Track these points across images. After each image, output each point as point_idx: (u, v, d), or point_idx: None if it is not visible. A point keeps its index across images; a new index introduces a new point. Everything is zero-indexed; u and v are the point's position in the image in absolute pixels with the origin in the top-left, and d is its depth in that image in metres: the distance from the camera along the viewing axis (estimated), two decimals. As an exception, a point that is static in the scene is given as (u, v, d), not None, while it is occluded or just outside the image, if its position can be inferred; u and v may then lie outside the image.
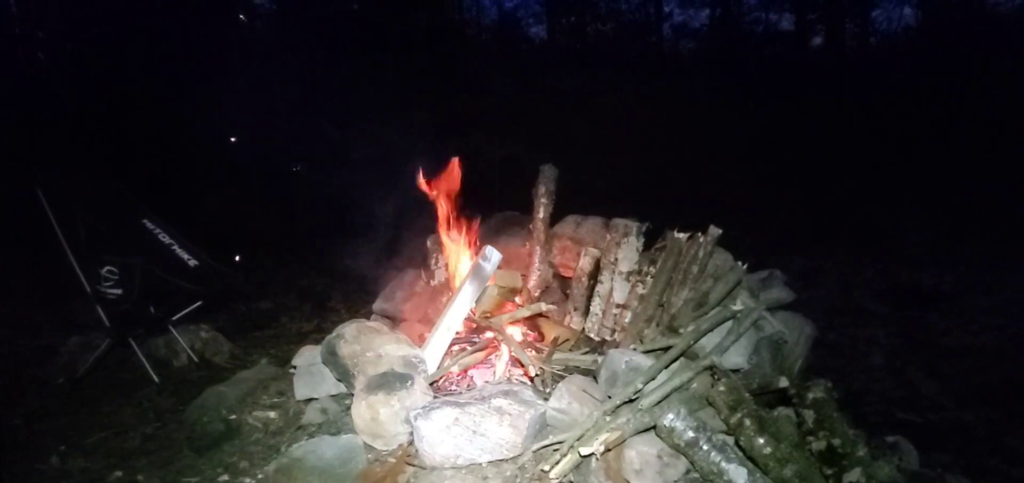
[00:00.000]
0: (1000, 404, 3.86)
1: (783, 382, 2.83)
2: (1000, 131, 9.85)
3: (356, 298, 6.82)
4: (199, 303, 5.06)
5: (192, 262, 4.87)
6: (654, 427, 2.52)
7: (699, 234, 3.36)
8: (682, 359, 2.85)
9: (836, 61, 14.71)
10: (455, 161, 4.27)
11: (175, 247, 4.85)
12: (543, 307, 3.68)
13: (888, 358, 4.67)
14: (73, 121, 10.95)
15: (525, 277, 4.17)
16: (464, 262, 4.13)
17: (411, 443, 2.93)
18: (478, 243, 4.22)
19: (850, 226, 8.86)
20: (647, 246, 3.75)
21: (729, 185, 10.16)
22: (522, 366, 3.33)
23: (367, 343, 3.43)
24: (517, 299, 4.04)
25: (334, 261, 7.17)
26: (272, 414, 3.60)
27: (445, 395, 3.23)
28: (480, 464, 2.75)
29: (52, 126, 10.00)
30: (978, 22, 14.20)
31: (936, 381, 4.20)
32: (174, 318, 5.08)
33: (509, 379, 3.37)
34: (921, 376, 4.29)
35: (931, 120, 11.35)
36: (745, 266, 3.16)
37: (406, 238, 5.69)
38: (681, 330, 2.97)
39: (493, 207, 5.23)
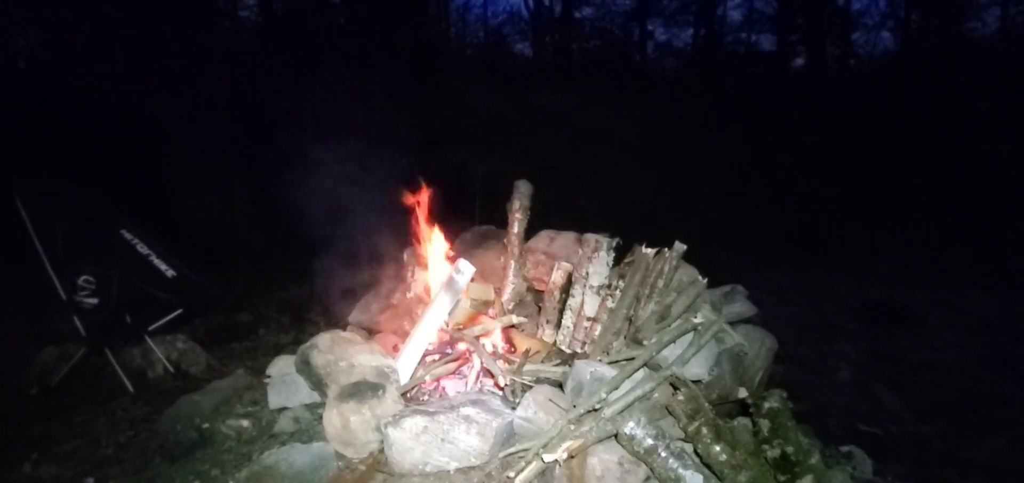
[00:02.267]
0: (958, 418, 3.98)
1: (742, 393, 2.93)
2: (974, 154, 10.11)
3: (334, 310, 6.84)
4: (177, 313, 5.08)
5: (170, 273, 4.89)
6: (616, 435, 2.60)
7: (666, 250, 3.45)
8: (645, 370, 2.94)
9: (817, 82, 15.00)
10: (424, 183, 4.36)
11: (153, 258, 4.87)
12: (515, 319, 3.76)
13: (854, 373, 4.79)
14: (52, 130, 10.90)
15: (499, 290, 4.24)
16: (439, 275, 4.20)
17: (381, 451, 2.98)
18: (454, 256, 4.29)
19: (826, 244, 9.04)
20: (618, 260, 3.84)
21: (709, 202, 10.33)
22: (493, 377, 3.39)
23: (340, 353, 3.49)
24: (490, 312, 4.11)
25: (313, 274, 7.19)
26: (245, 423, 3.63)
27: (416, 405, 3.28)
28: (448, 471, 2.81)
29: (31, 135, 9.95)
30: (955, 46, 14.60)
31: (899, 395, 4.32)
32: (150, 328, 5.09)
33: (480, 389, 3.43)
34: (884, 390, 4.40)
35: (907, 141, 11.61)
36: (705, 280, 3.26)
37: (384, 251, 5.75)
38: (644, 342, 3.06)
39: (473, 221, 5.31)
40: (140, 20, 10.80)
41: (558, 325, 3.95)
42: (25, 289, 7.07)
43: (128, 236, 4.83)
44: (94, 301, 4.51)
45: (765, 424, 2.67)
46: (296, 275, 8.35)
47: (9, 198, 4.53)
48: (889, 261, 8.12)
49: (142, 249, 4.82)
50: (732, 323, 3.29)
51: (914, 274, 7.56)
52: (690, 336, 3.06)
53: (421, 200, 4.34)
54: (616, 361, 3.07)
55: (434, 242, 4.32)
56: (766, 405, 2.70)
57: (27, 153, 9.60)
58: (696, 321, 3.01)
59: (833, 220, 9.98)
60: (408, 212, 4.35)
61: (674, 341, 3.02)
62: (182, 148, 9.39)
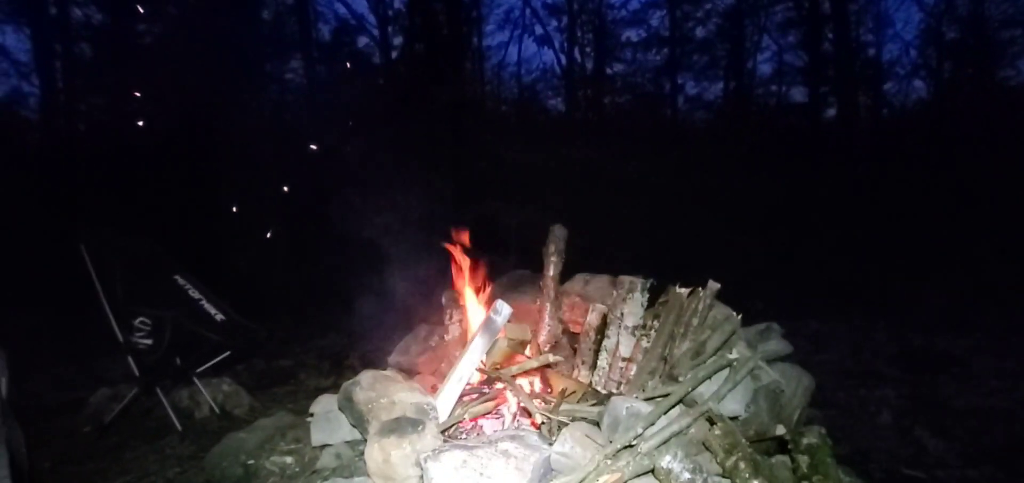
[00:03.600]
0: (1005, 463, 3.87)
1: (780, 430, 2.93)
2: (1013, 200, 9.92)
3: (373, 357, 6.98)
4: (224, 355, 5.27)
5: (219, 317, 5.11)
6: (652, 470, 2.63)
7: (699, 289, 3.51)
8: (680, 406, 2.97)
9: (849, 131, 14.95)
10: (466, 231, 4.53)
11: (203, 302, 5.11)
12: (550, 359, 3.83)
13: (896, 418, 4.69)
14: (111, 185, 11.52)
15: (535, 332, 4.32)
16: (477, 316, 4.30)
17: (421, 485, 3.05)
18: (490, 298, 4.40)
19: (863, 292, 8.89)
20: (651, 302, 3.90)
21: (742, 251, 10.29)
22: (530, 416, 3.45)
23: (382, 390, 3.59)
24: (527, 352, 4.18)
25: (352, 321, 7.37)
26: (288, 459, 3.74)
27: (455, 441, 3.35)
28: (486, 505, 2.86)
29: (92, 189, 10.53)
30: (989, 95, 14.46)
31: (943, 440, 4.22)
32: (198, 370, 5.29)
33: (517, 428, 3.49)
34: (928, 435, 4.30)
35: (944, 188, 11.45)
36: (740, 316, 3.30)
37: (422, 297, 5.89)
38: (680, 378, 3.10)
39: (508, 268, 5.43)
40: (194, 84, 11.46)
41: (594, 366, 4.00)
42: (80, 336, 7.44)
43: (181, 281, 5.09)
44: (148, 342, 4.72)
45: (804, 460, 2.67)
46: (335, 323, 8.56)
47: (74, 246, 4.82)
48: (929, 308, 7.94)
49: (193, 293, 5.06)
50: (768, 361, 3.31)
51: (956, 320, 7.39)
52: (725, 373, 3.09)
53: (460, 244, 4.50)
54: (652, 397, 3.11)
55: (473, 283, 4.44)
56: (805, 441, 2.71)
57: (88, 204, 10.15)
58: (731, 357, 3.04)
59: (869, 268, 9.82)
60: (446, 257, 4.50)
61: (709, 377, 3.05)
62: (230, 201, 9.82)
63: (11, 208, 10.66)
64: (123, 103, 12.96)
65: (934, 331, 7.13)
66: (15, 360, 3.55)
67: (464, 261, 4.47)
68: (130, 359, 4.78)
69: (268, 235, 10.14)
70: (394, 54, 18.37)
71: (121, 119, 12.67)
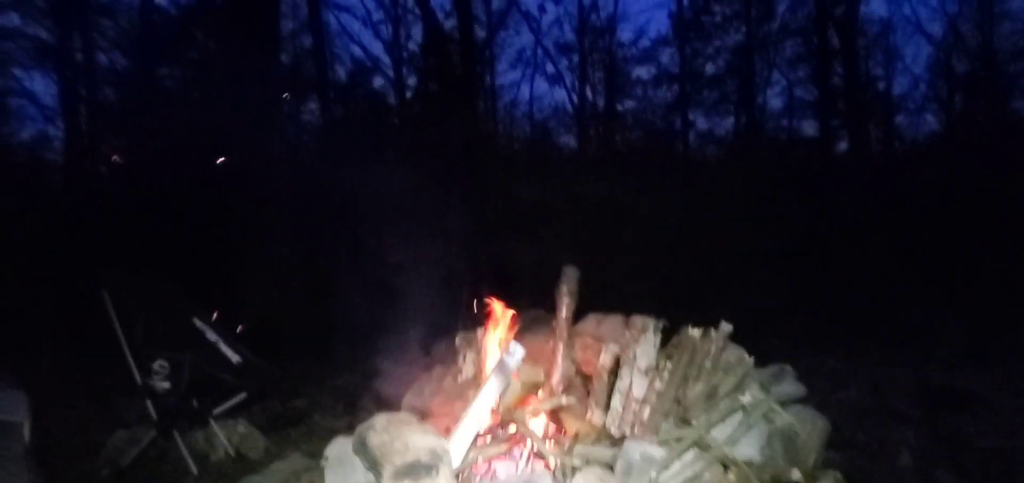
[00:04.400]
0: (1031, 506, 3.80)
1: (796, 475, 2.92)
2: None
3: (387, 396, 6.99)
4: (241, 398, 5.31)
5: (235, 359, 5.17)
6: (667, 515, 2.62)
7: (712, 330, 3.52)
8: (694, 449, 2.96)
9: (861, 165, 14.92)
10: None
11: (220, 344, 5.17)
12: (564, 401, 3.83)
13: (917, 459, 4.61)
14: (129, 227, 11.75)
15: (548, 373, 4.33)
16: (491, 357, 4.33)
17: (435, 530, 3.05)
18: (504, 340, 4.43)
19: (880, 328, 8.79)
20: (664, 342, 3.91)
21: (755, 286, 10.23)
22: (543, 459, 3.45)
23: (396, 433, 3.60)
24: (540, 394, 4.19)
25: (366, 362, 7.40)
26: (304, 503, 3.74)
27: (469, 485, 3.36)
28: (500, 550, 2.86)
29: (111, 232, 10.74)
30: (1002, 127, 14.41)
31: (965, 481, 4.15)
32: (215, 412, 5.32)
33: (531, 471, 3.49)
34: (951, 477, 4.23)
35: (961, 222, 11.35)
36: (752, 359, 3.30)
37: (435, 337, 5.93)
38: (693, 421, 3.10)
39: (520, 307, 5.46)
40: (210, 124, 11.74)
41: (607, 407, 4.00)
42: (97, 376, 7.52)
43: (198, 324, 5.17)
44: (166, 385, 4.78)
45: (820, 504, 2.65)
46: (349, 362, 8.58)
47: (95, 288, 4.92)
48: (949, 344, 7.81)
49: (211, 336, 5.13)
50: (782, 404, 3.29)
51: (977, 357, 7.27)
52: (739, 416, 3.08)
53: (480, 296, 4.57)
54: (666, 441, 3.10)
55: (489, 326, 4.48)
56: (820, 485, 2.69)
57: (106, 247, 10.34)
58: (744, 400, 3.04)
59: (886, 303, 9.71)
60: (462, 300, 4.56)
61: (723, 420, 3.05)
62: (245, 242, 9.98)
63: (33, 249, 10.89)
64: (144, 145, 13.30)
65: (954, 367, 7.02)
66: (35, 401, 3.62)
67: (482, 306, 4.53)
68: (148, 402, 4.83)
69: (282, 273, 10.28)
70: (408, 94, 18.76)
71: (142, 161, 13.00)
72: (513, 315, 4.60)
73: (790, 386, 3.43)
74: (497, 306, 4.59)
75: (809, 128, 18.56)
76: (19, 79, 13.15)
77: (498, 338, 4.48)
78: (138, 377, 4.76)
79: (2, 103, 12.99)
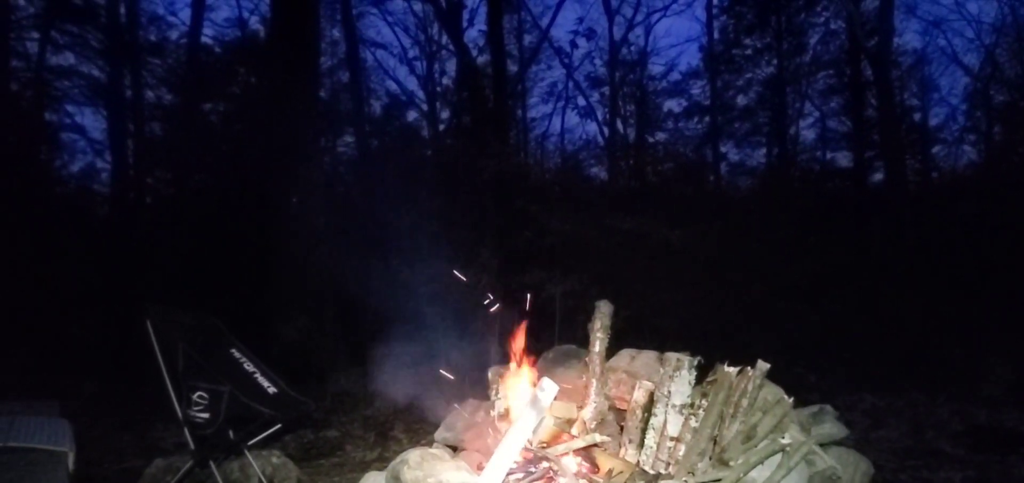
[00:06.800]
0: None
1: (837, 519, 2.85)
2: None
3: (418, 428, 7.02)
4: (275, 428, 5.38)
5: (271, 389, 5.24)
6: (704, 559, 2.58)
7: (749, 368, 3.48)
8: (732, 492, 2.92)
9: (897, 196, 14.60)
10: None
11: (257, 375, 5.25)
12: (598, 438, 3.81)
13: (964, 503, 4.47)
14: (167, 259, 12.13)
15: (581, 409, 4.31)
16: (523, 393, 4.33)
17: (468, 567, 3.04)
18: (537, 375, 4.43)
19: (922, 365, 8.53)
20: (699, 379, 3.87)
21: (791, 320, 10.03)
22: (577, 497, 3.43)
23: (429, 469, 3.62)
24: (573, 430, 4.17)
25: (398, 392, 7.45)
26: (338, 537, 3.77)
27: (502, 522, 3.35)
28: None
29: (154, 263, 11.07)
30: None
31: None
32: (250, 443, 5.40)
33: (564, 509, 3.46)
34: (999, 523, 4.08)
35: (1005, 252, 11.02)
36: (791, 399, 3.25)
37: (468, 369, 5.95)
38: (731, 463, 3.05)
39: (552, 341, 5.46)
40: (248, 157, 12.11)
41: (641, 445, 3.95)
42: (136, 405, 7.71)
43: (236, 354, 5.27)
44: (206, 416, 4.86)
45: (863, 552, 2.58)
46: (380, 391, 8.64)
47: (139, 320, 5.07)
48: (995, 382, 7.55)
49: (248, 367, 5.23)
50: (822, 445, 3.23)
51: (1023, 395, 7.02)
52: (778, 458, 3.03)
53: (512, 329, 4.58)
54: (702, 482, 3.06)
55: (521, 362, 4.49)
56: (863, 532, 2.63)
57: (150, 277, 10.67)
58: (784, 442, 2.99)
59: (928, 338, 9.43)
60: (494, 333, 4.58)
61: (762, 462, 3.00)
62: (282, 270, 10.20)
63: (79, 279, 11.27)
64: (188, 177, 13.77)
65: (1000, 406, 6.78)
66: (78, 430, 3.73)
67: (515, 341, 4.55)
68: (187, 432, 4.93)
69: (317, 303, 10.44)
70: (441, 127, 19.07)
71: (186, 193, 13.45)
72: (533, 358, 4.62)
73: (831, 426, 3.37)
74: (525, 341, 4.59)
75: (843, 159, 18.39)
76: (70, 114, 13.81)
77: (530, 373, 4.48)
78: (178, 409, 4.86)
79: (54, 137, 13.62)
